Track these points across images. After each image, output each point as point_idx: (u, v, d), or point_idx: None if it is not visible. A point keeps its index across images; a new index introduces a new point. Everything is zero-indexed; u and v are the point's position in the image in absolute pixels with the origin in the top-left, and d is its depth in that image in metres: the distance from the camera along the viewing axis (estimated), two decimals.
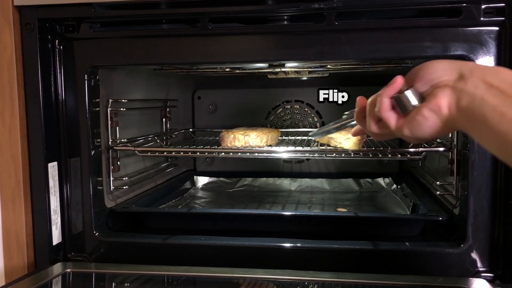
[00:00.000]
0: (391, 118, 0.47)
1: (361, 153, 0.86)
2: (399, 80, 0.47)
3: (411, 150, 0.83)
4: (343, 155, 0.87)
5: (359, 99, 0.52)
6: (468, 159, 0.68)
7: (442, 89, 0.43)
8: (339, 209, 0.99)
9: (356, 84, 1.18)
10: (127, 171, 0.94)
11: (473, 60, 0.65)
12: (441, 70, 0.44)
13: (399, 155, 0.86)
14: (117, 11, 0.72)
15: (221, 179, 1.25)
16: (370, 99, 0.50)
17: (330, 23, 0.67)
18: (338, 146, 0.89)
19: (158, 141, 1.00)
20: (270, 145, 0.96)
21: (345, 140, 0.88)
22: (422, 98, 0.45)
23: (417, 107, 0.45)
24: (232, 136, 0.92)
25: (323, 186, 1.21)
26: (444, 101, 0.42)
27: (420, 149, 0.82)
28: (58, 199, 0.76)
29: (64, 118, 0.76)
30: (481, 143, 0.42)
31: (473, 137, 0.43)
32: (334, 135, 0.89)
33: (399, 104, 0.46)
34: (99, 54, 0.75)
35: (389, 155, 0.86)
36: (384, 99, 0.47)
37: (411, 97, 0.45)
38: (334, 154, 0.88)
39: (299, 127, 1.25)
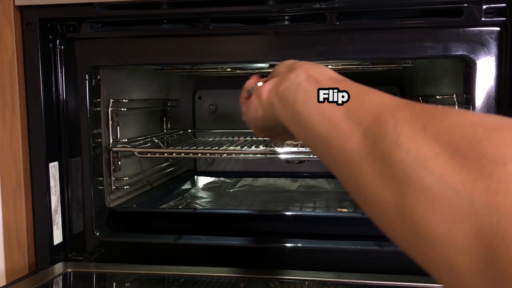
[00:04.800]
0: (243, 104, 0.54)
1: None
2: (255, 76, 0.55)
3: None
4: None
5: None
6: None
7: (272, 78, 0.46)
8: (340, 209, 0.99)
9: None
10: (128, 171, 0.94)
11: (474, 61, 0.65)
12: (283, 67, 0.47)
13: None
14: (118, 11, 0.72)
15: (222, 179, 1.25)
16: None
17: (331, 23, 0.67)
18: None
19: (157, 141, 1.00)
20: (271, 145, 0.96)
21: None
22: None
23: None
24: None
25: (324, 186, 1.21)
26: (267, 87, 0.46)
27: None
28: (59, 199, 0.76)
29: (65, 118, 0.76)
30: (294, 132, 0.42)
31: (287, 125, 0.43)
32: None
33: (249, 93, 0.53)
34: (100, 54, 0.75)
35: None
36: (243, 89, 0.55)
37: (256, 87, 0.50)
38: None
39: None
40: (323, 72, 0.42)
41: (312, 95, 0.39)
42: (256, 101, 0.47)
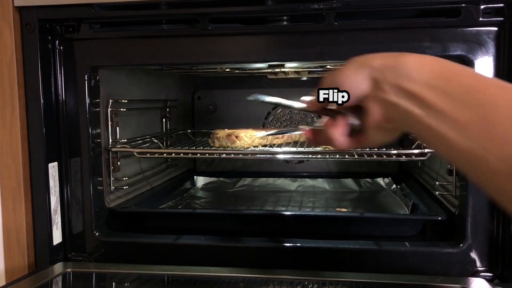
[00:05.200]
0: (346, 143, 0.47)
1: (365, 155, 0.85)
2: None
3: (416, 151, 0.82)
4: (346, 156, 0.87)
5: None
6: None
7: (367, 103, 0.42)
8: (339, 209, 1.00)
9: None
10: (127, 171, 0.94)
11: (472, 60, 0.65)
12: (353, 80, 0.43)
13: (404, 156, 0.85)
14: (117, 11, 0.72)
15: (221, 179, 1.25)
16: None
17: (330, 24, 0.67)
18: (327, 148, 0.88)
19: (156, 141, 1.00)
20: (271, 146, 0.96)
21: None
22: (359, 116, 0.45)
23: (362, 127, 0.45)
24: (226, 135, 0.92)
25: (323, 186, 1.21)
26: (377, 115, 0.41)
27: (426, 150, 0.81)
28: (59, 199, 0.76)
29: (64, 119, 0.76)
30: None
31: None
32: None
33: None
34: (99, 54, 0.75)
35: (394, 156, 0.85)
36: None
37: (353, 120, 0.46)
38: (337, 156, 0.88)
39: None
40: (415, 78, 0.38)
41: (427, 122, 0.37)
42: (379, 132, 0.43)
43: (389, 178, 1.18)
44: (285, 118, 1.27)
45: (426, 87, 0.37)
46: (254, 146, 0.93)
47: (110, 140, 0.86)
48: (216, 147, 0.94)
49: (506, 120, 0.33)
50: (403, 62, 0.40)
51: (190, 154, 0.92)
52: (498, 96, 0.35)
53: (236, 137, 0.91)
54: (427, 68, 0.39)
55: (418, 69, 0.39)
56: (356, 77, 0.43)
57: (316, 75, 1.05)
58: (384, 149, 0.85)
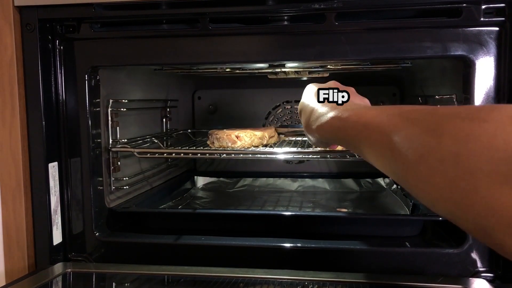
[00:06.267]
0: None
1: None
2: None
3: None
4: (347, 156, 0.87)
5: None
6: None
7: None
8: (340, 209, 0.99)
9: (356, 84, 1.17)
10: (127, 171, 0.94)
11: (473, 61, 0.65)
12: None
13: None
14: (118, 11, 0.72)
15: (222, 179, 1.25)
16: None
17: (330, 24, 0.67)
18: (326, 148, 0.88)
19: (156, 141, 1.00)
20: (271, 146, 0.96)
21: None
22: None
23: None
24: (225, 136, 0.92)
25: (323, 186, 1.21)
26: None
27: None
28: (59, 199, 0.76)
29: (64, 118, 0.76)
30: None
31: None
32: None
33: None
34: (99, 54, 0.75)
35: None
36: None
37: None
38: (338, 156, 0.88)
39: (299, 128, 1.26)
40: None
41: None
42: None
43: (390, 178, 1.18)
44: (286, 118, 1.27)
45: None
46: (254, 146, 0.93)
47: (110, 140, 0.86)
48: (216, 147, 0.93)
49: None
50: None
51: (190, 154, 0.92)
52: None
53: (237, 137, 0.91)
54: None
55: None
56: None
57: (316, 75, 1.06)
58: None
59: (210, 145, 0.95)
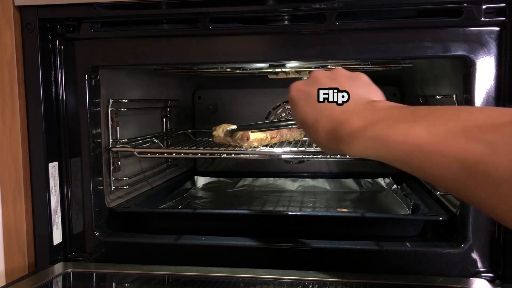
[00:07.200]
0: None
1: None
2: None
3: None
4: (347, 156, 0.86)
5: None
6: None
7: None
8: (340, 209, 0.99)
9: None
10: (127, 171, 0.94)
11: (473, 61, 0.65)
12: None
13: None
14: (118, 11, 0.72)
15: (222, 179, 1.25)
16: None
17: (331, 23, 0.67)
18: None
19: (156, 141, 1.00)
20: (271, 146, 0.96)
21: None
22: None
23: None
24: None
25: (323, 186, 1.21)
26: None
27: None
28: (59, 199, 0.76)
29: (64, 118, 0.76)
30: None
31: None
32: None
33: None
34: (99, 54, 0.75)
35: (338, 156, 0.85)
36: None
37: None
38: (338, 156, 0.88)
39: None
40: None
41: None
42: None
43: (390, 178, 1.18)
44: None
45: None
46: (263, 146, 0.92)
47: (111, 140, 0.86)
48: (229, 143, 0.92)
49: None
50: None
51: (190, 154, 0.92)
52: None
53: (247, 138, 0.90)
54: None
55: None
56: None
57: None
58: None
59: (218, 140, 0.93)
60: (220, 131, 0.93)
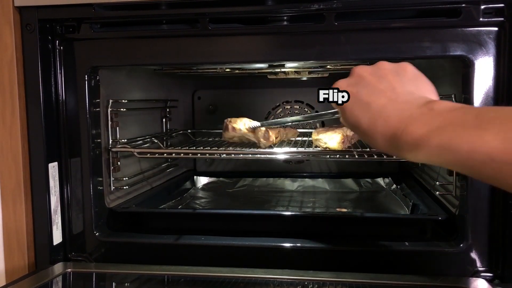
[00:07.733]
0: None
1: (365, 155, 0.84)
2: None
3: None
4: (346, 156, 0.86)
5: None
6: None
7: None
8: (339, 209, 1.00)
9: None
10: (127, 171, 0.94)
11: (472, 61, 0.65)
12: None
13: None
14: (117, 11, 0.72)
15: (221, 179, 1.25)
16: None
17: (330, 24, 0.67)
18: (324, 146, 0.87)
19: (156, 141, 1.00)
20: (271, 146, 0.96)
21: (330, 140, 0.86)
22: None
23: None
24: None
25: (323, 186, 1.21)
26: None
27: None
28: (59, 199, 0.76)
29: (64, 119, 0.76)
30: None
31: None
32: (321, 136, 0.87)
33: None
34: (99, 54, 0.75)
35: (394, 156, 0.84)
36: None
37: None
38: (337, 156, 0.87)
39: (299, 128, 1.26)
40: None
41: None
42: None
43: (389, 178, 1.18)
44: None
45: None
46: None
47: (110, 140, 0.86)
48: (240, 140, 0.91)
49: None
50: None
51: (190, 154, 0.92)
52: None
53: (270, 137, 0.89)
54: None
55: None
56: None
57: (316, 75, 1.06)
58: None
59: (232, 129, 0.91)
60: (241, 125, 0.89)
